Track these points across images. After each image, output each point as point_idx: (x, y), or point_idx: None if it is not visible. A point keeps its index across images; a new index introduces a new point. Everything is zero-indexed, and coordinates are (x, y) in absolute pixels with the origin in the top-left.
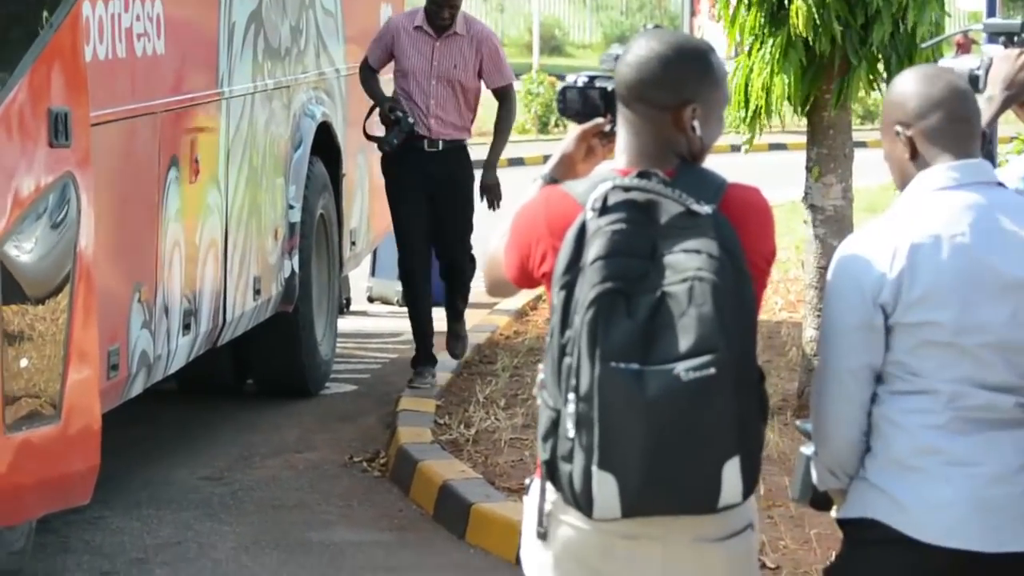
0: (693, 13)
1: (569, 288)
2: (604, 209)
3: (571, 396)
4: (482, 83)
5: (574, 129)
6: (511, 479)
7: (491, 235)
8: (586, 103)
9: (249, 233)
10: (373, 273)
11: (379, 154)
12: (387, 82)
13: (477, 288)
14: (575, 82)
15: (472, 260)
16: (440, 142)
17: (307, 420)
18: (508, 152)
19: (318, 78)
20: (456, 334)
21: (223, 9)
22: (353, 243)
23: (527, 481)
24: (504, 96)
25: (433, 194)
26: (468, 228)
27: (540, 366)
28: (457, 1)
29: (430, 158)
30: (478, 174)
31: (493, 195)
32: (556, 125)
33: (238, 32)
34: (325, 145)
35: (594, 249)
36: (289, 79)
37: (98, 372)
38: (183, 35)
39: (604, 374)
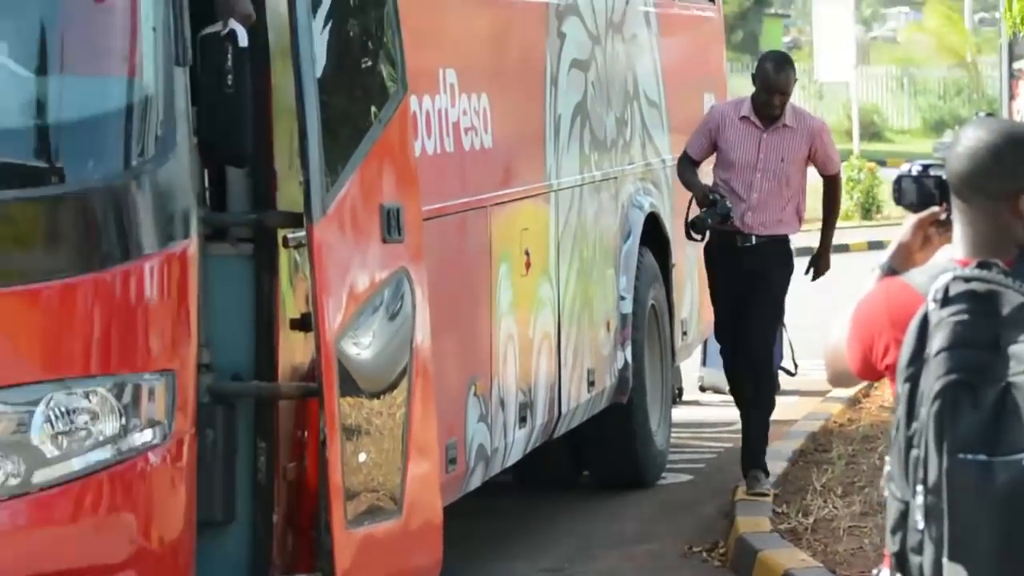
0: (1012, 97)
1: (914, 380)
2: (946, 300)
3: (919, 488)
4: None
5: (911, 218)
6: (852, 567)
7: (831, 326)
8: (921, 192)
9: (582, 325)
10: (704, 363)
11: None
12: (704, 174)
13: (808, 376)
14: (909, 171)
15: (770, 368)
16: (753, 237)
17: (644, 510)
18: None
19: (644, 169)
20: (750, 459)
21: (549, 102)
22: (684, 333)
23: (875, 572)
24: (834, 183)
25: (744, 293)
26: (770, 329)
27: (886, 458)
28: (788, 89)
29: (743, 253)
30: (799, 264)
31: (820, 271)
32: (879, 211)
33: (564, 124)
34: (654, 235)
35: (938, 341)
36: (616, 170)
37: (437, 466)
38: (510, 128)
39: (952, 466)
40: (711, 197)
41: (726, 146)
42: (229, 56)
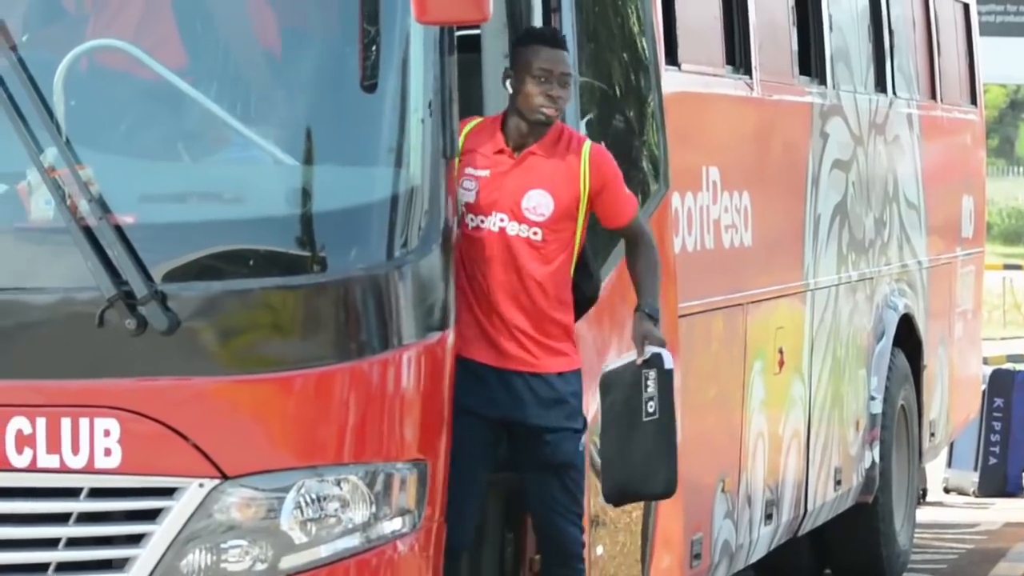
0: None
1: None
2: None
3: None
4: None
5: None
6: None
7: None
8: None
9: (831, 424)
10: (949, 464)
11: (959, 346)
12: None
13: None
14: None
15: None
16: None
17: None
18: None
19: (901, 270)
20: None
21: (809, 201)
22: (932, 434)
23: None
24: None
25: None
26: None
27: None
28: None
29: None
30: None
31: None
32: None
33: (823, 224)
34: (907, 336)
35: None
36: (872, 271)
37: (681, 560)
38: (770, 227)
39: None
40: None
41: None
42: (651, 383)
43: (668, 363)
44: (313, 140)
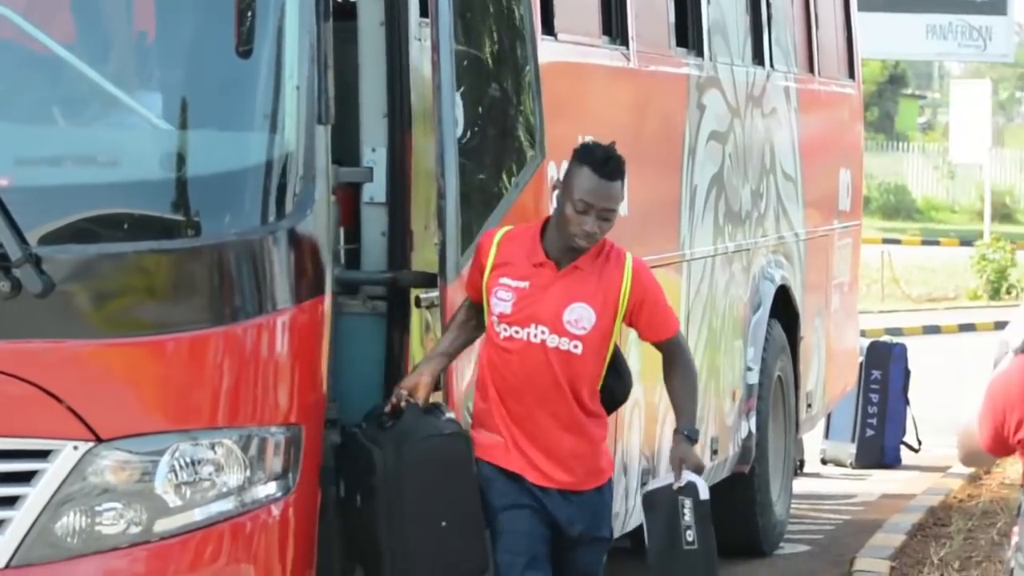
0: None
1: None
2: None
3: None
4: None
5: None
6: None
7: (963, 408)
8: None
9: (707, 394)
10: (827, 435)
11: (836, 318)
12: None
13: (930, 452)
14: None
15: None
16: None
17: None
18: (959, 318)
19: (777, 242)
20: None
21: (685, 172)
22: (809, 405)
23: None
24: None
25: None
26: None
27: (1015, 528)
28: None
29: None
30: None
31: None
32: (1008, 291)
33: (699, 195)
34: (783, 308)
35: None
36: (749, 242)
37: None
38: (646, 197)
39: None
40: None
41: None
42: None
43: (703, 493)
44: (189, 105)
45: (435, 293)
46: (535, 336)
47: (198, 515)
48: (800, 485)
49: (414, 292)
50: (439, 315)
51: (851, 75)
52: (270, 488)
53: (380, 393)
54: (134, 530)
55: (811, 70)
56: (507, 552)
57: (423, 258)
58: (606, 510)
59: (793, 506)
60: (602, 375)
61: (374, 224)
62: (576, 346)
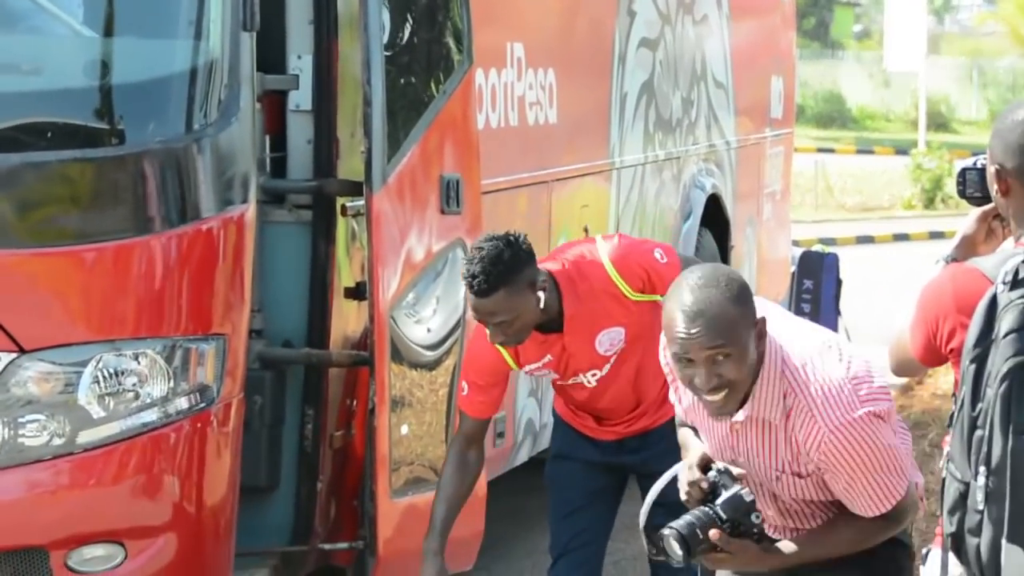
0: None
1: (980, 361)
2: (1015, 283)
3: (982, 469)
4: None
5: (975, 211)
6: None
7: (896, 317)
8: (985, 184)
9: None
10: None
11: (767, 227)
12: None
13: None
14: (974, 163)
15: None
16: None
17: None
18: (893, 227)
19: (708, 150)
20: None
21: (615, 80)
22: None
23: (924, 551)
24: None
25: None
26: None
27: (946, 439)
28: None
29: None
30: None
31: None
32: (943, 201)
33: (630, 103)
34: (714, 217)
35: (1006, 323)
36: (680, 150)
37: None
38: (575, 105)
39: (1018, 447)
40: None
41: None
42: None
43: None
44: (113, 12)
45: (361, 202)
46: (589, 381)
47: (121, 426)
48: None
49: (340, 200)
50: (365, 224)
51: None
52: (194, 399)
53: (306, 303)
54: (57, 441)
55: None
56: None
57: (349, 166)
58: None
59: None
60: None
61: (300, 132)
62: (624, 360)
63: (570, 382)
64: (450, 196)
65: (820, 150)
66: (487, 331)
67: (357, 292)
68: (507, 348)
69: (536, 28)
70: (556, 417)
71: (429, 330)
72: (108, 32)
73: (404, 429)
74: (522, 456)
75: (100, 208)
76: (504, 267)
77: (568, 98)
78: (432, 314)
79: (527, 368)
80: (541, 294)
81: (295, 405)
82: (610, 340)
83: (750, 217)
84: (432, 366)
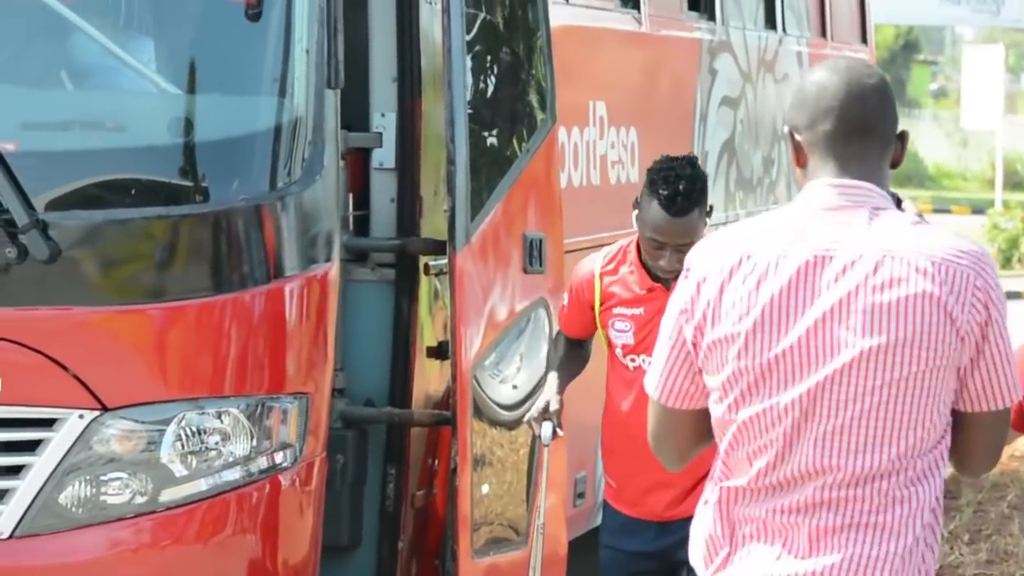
0: None
1: None
2: None
3: None
4: None
5: None
6: None
7: None
8: None
9: None
10: None
11: None
12: None
13: None
14: None
15: None
16: None
17: None
18: None
19: None
20: None
21: (696, 138)
22: None
23: None
24: None
25: None
26: None
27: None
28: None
29: None
30: None
31: None
32: (1019, 260)
33: (711, 161)
34: None
35: None
36: (760, 209)
37: (565, 499)
38: None
39: None
40: None
41: None
42: None
43: None
44: (197, 69)
45: (444, 260)
46: None
47: (204, 485)
48: None
49: (423, 259)
50: (448, 282)
51: (864, 40)
52: (277, 458)
53: (388, 362)
54: (139, 500)
55: (823, 35)
56: None
57: (432, 225)
58: None
59: None
60: None
61: (383, 190)
62: None
63: (642, 361)
64: (533, 255)
65: None
66: (662, 258)
67: (439, 351)
68: (604, 287)
69: (618, 87)
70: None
71: (513, 388)
72: (192, 89)
73: (485, 488)
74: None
75: (183, 266)
76: (701, 185)
77: (650, 157)
78: (515, 373)
79: (615, 311)
80: (708, 221)
81: (377, 464)
82: None
83: None
84: (513, 425)
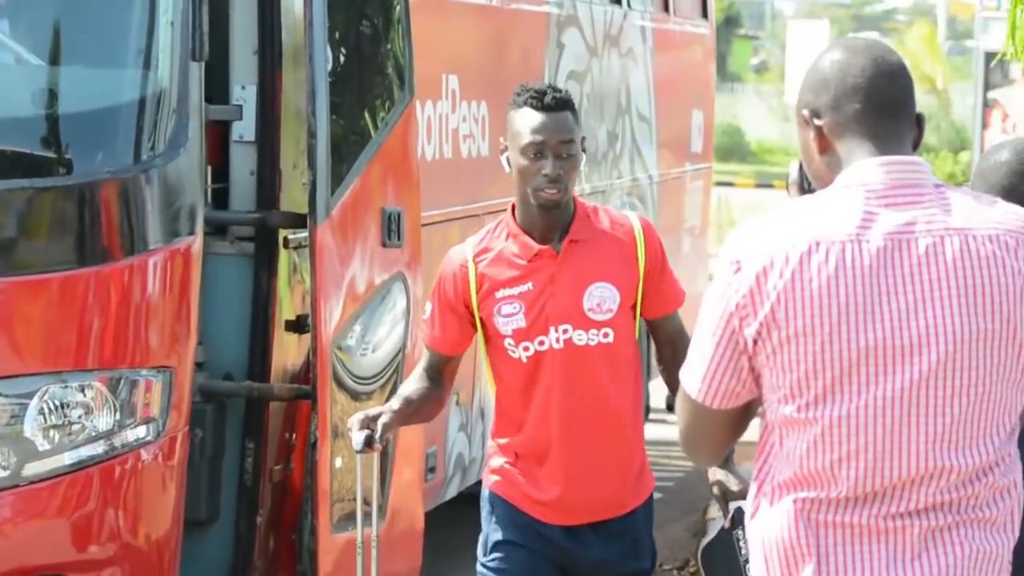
0: (984, 126)
1: None
2: None
3: None
4: None
5: None
6: None
7: None
8: None
9: None
10: None
11: (687, 262)
12: None
13: None
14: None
15: None
16: None
17: None
18: None
19: (632, 183)
20: None
21: None
22: None
23: None
24: None
25: None
26: None
27: None
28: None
29: None
30: None
31: None
32: None
33: None
34: None
35: None
36: (604, 184)
37: (420, 473)
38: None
39: None
40: None
41: None
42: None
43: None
44: (62, 40)
45: (303, 234)
46: (557, 341)
47: (67, 459)
48: (647, 432)
49: (282, 233)
50: (307, 256)
51: (704, 15)
52: (140, 432)
53: (247, 335)
54: (2, 474)
55: (666, 9)
56: None
57: (291, 198)
58: (648, 531)
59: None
60: (640, 361)
61: (243, 163)
62: (607, 335)
63: (537, 345)
64: (392, 229)
65: (720, 183)
66: (544, 167)
67: (298, 325)
68: (481, 272)
69: (470, 60)
70: (491, 495)
71: (371, 362)
72: (57, 61)
73: (338, 462)
74: (452, 491)
75: (47, 238)
76: (567, 93)
77: (500, 131)
78: (374, 347)
79: (498, 295)
80: (583, 156)
81: (235, 438)
82: (600, 298)
83: (671, 251)
84: (369, 397)
